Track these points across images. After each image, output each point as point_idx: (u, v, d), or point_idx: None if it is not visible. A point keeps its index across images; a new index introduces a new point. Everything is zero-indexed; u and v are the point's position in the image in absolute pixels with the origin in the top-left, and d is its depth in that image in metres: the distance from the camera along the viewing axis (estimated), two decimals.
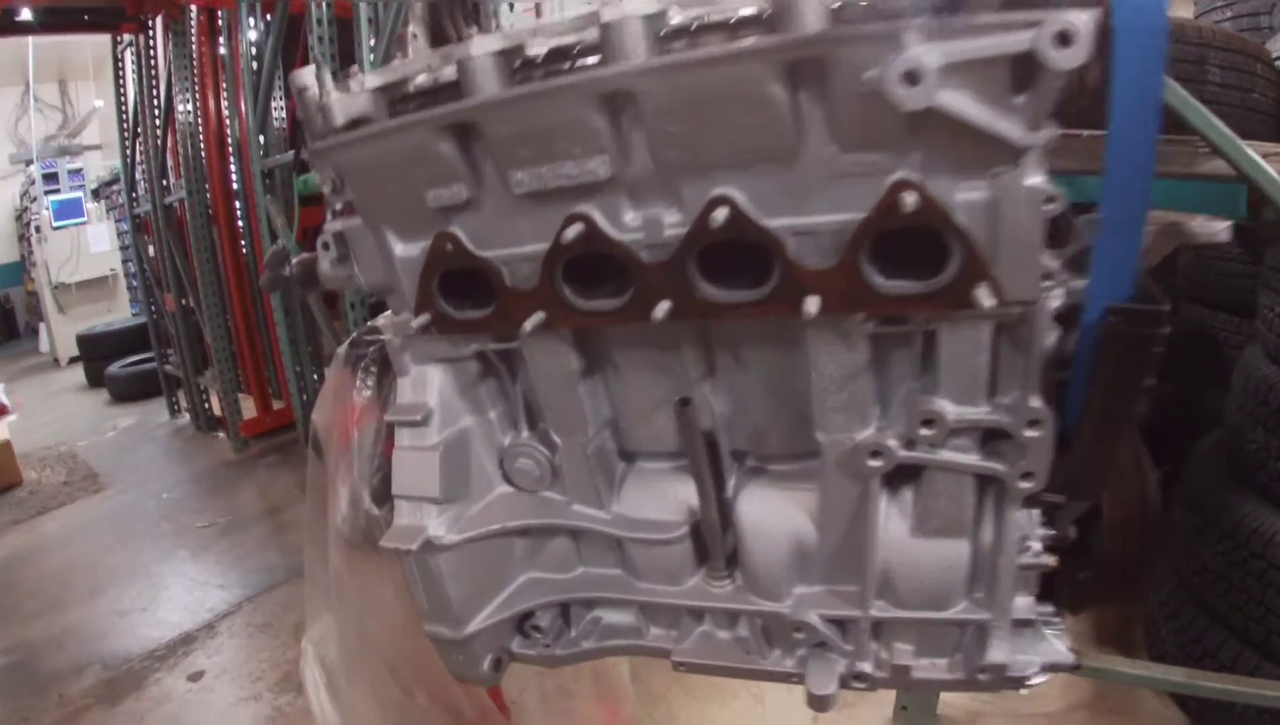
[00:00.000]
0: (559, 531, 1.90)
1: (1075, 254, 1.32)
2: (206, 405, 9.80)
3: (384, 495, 2.02)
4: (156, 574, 6.62)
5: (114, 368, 12.06)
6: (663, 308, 1.41)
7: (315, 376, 7.48)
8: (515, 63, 1.38)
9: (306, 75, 1.58)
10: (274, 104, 6.96)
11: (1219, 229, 1.79)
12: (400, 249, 1.66)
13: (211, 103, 8.08)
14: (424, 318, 1.69)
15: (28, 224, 16.36)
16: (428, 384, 1.85)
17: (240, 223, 8.20)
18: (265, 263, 2.10)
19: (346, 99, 1.55)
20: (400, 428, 1.87)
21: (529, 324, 1.53)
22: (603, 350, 1.69)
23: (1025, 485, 1.41)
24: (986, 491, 1.50)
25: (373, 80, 1.55)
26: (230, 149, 7.81)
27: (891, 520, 1.57)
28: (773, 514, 1.68)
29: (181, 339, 9.42)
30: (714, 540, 1.70)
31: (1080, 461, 1.40)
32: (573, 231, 1.42)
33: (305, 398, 7.40)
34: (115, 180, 12.24)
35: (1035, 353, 1.31)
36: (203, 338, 9.08)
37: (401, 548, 1.82)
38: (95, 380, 12.79)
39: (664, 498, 1.78)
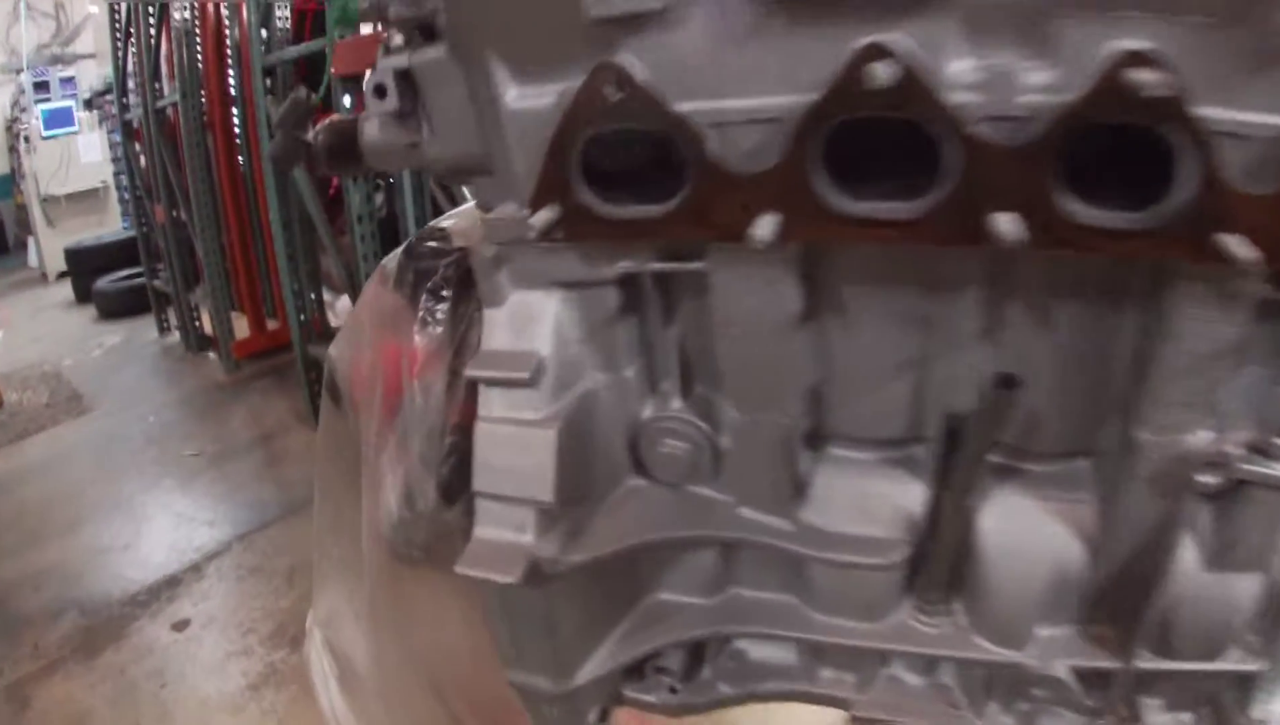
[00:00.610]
0: (708, 543, 1.40)
1: None
2: (197, 323, 9.17)
3: (458, 489, 1.41)
4: (140, 507, 6.00)
5: (102, 283, 11.43)
6: (1009, 225, 0.89)
7: (313, 296, 6.81)
8: None
9: None
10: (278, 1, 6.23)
11: None
12: (515, 95, 1.09)
13: (210, 2, 7.27)
14: (551, 213, 1.09)
15: (17, 135, 15.56)
16: (538, 321, 1.25)
17: (237, 131, 7.49)
18: (278, 120, 1.36)
19: None
20: (490, 389, 1.26)
21: (762, 229, 0.97)
22: (833, 285, 1.16)
23: None
24: None
25: None
26: (229, 51, 7.08)
27: (1184, 548, 1.17)
28: (1033, 532, 1.23)
29: (172, 253, 8.79)
30: (947, 566, 1.26)
31: None
32: (883, 73, 0.86)
33: (303, 318, 6.70)
34: (108, 90, 11.52)
35: None
36: (194, 252, 8.46)
37: (495, 578, 1.21)
38: (83, 296, 12.13)
39: (875, 503, 1.30)
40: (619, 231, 1.08)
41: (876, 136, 0.93)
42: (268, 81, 6.03)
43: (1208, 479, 1.07)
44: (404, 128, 1.19)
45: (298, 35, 6.24)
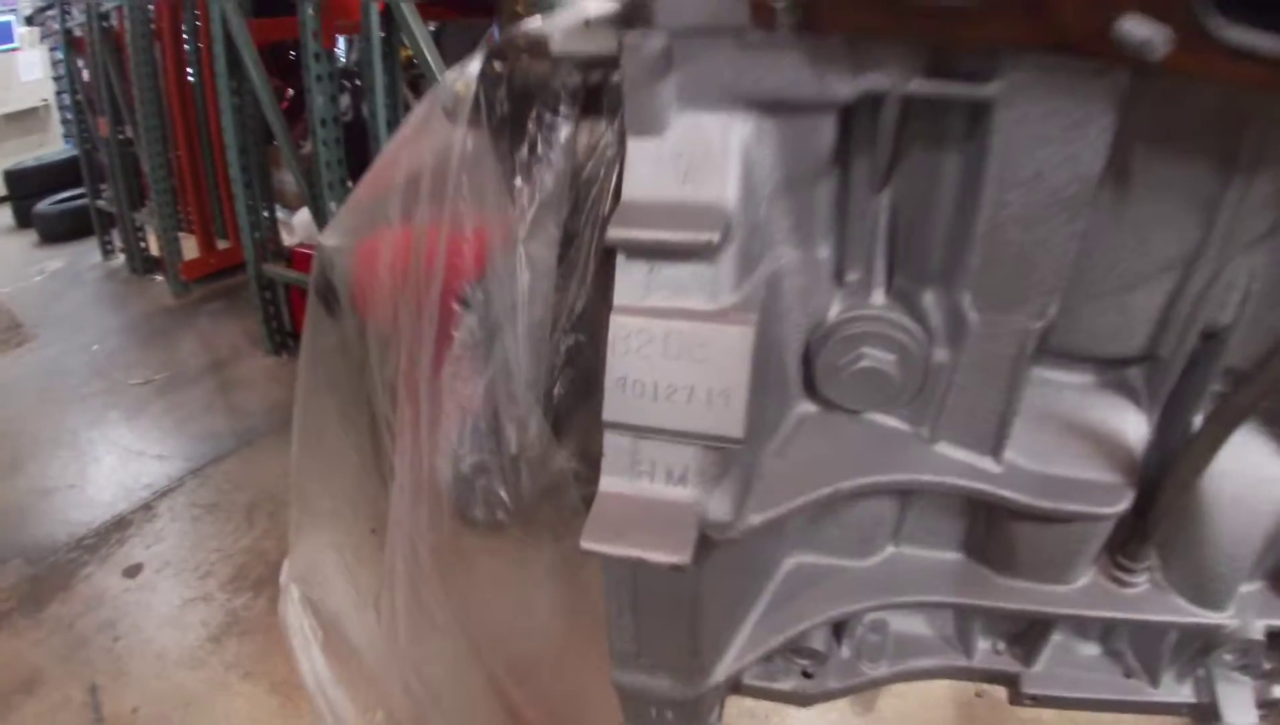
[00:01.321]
0: (896, 490, 1.11)
1: None
2: (143, 245, 8.68)
3: (570, 417, 1.03)
4: (86, 442, 5.58)
5: (42, 206, 10.82)
6: None
7: (266, 214, 6.31)
8: None
9: None
10: None
11: None
12: None
13: None
14: None
15: None
16: (719, 160, 0.82)
17: (186, 39, 6.99)
18: None
19: None
20: (637, 262, 0.83)
21: (1146, 35, 0.63)
22: (1123, 145, 0.84)
23: None
24: None
25: None
26: None
27: None
28: (1260, 477, 1.04)
29: (116, 171, 8.26)
30: (1171, 516, 1.04)
31: None
32: None
33: (257, 236, 6.21)
34: (50, 4, 10.93)
35: None
36: (140, 170, 7.94)
37: (653, 559, 0.79)
38: (24, 220, 11.48)
39: (1092, 439, 1.06)
40: (887, 23, 0.70)
41: None
42: None
43: None
44: None
45: None
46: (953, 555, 1.19)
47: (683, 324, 0.78)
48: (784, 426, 1.01)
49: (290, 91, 6.48)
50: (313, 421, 1.67)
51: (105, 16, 7.54)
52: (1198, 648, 1.21)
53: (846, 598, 1.16)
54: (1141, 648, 1.26)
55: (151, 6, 7.04)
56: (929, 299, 0.97)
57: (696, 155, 0.79)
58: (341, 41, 6.47)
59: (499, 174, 0.97)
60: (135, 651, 3.80)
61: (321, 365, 1.56)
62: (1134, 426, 1.05)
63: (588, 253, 0.97)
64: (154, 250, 8.41)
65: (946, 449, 1.04)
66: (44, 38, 13.72)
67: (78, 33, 8.38)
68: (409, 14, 4.00)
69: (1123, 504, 1.02)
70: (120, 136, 8.05)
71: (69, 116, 12.08)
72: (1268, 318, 0.98)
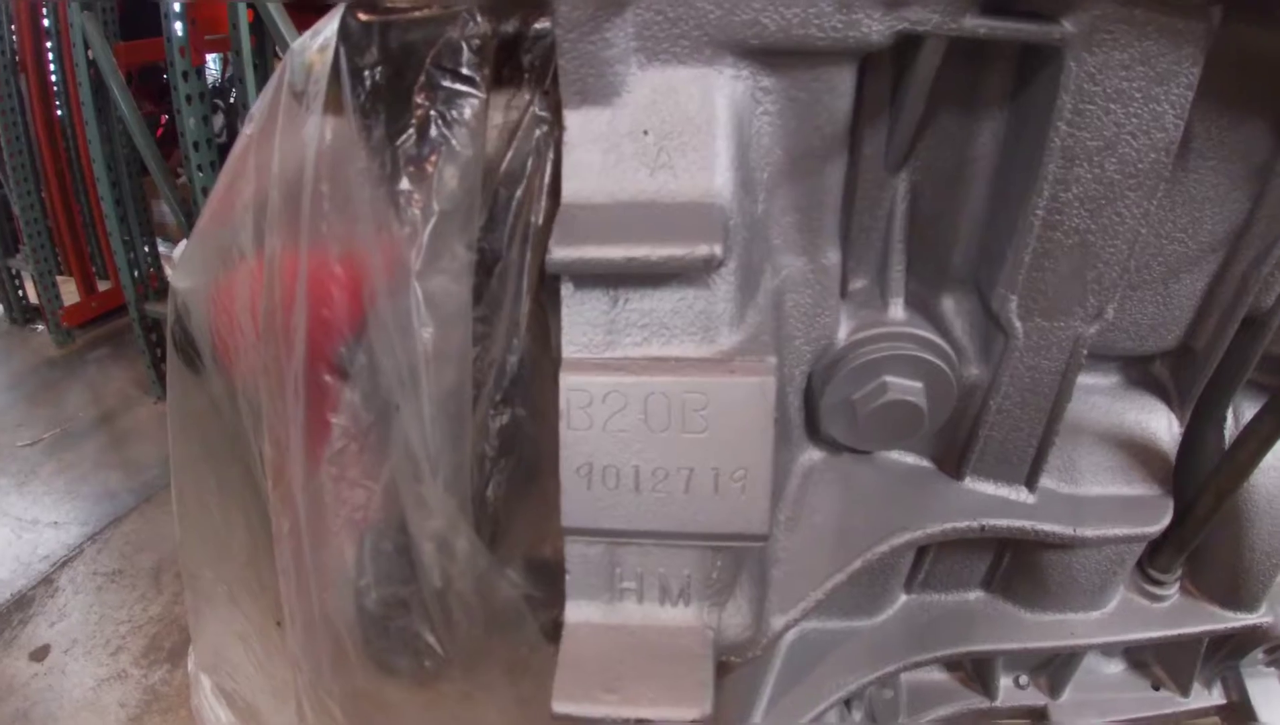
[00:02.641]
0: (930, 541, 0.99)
1: None
2: (21, 293, 8.36)
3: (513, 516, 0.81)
4: None
5: None
6: None
7: (147, 249, 6.13)
8: None
9: None
10: None
11: None
12: None
13: None
14: None
15: None
16: (705, 131, 0.58)
17: (53, 71, 6.82)
18: None
19: None
20: (586, 293, 0.59)
21: None
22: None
23: None
24: None
25: None
26: None
27: None
28: None
29: None
30: (1212, 521, 1.00)
31: None
32: None
33: (137, 274, 6.06)
34: None
35: None
36: (12, 213, 7.70)
37: (660, 718, 0.56)
38: None
39: (1126, 448, 1.02)
40: None
41: None
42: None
43: None
44: None
45: None
46: (974, 594, 1.13)
47: (670, 380, 0.56)
48: (790, 486, 0.82)
49: (165, 117, 6.30)
50: (192, 497, 1.46)
51: None
52: (1229, 650, 1.21)
53: (861, 667, 1.04)
54: (1169, 658, 1.25)
55: (15, 36, 6.81)
56: (949, 306, 0.83)
57: (670, 129, 0.58)
58: (215, 59, 6.30)
59: (375, 175, 0.70)
60: None
61: (193, 430, 1.33)
62: (1166, 428, 1.02)
63: (518, 283, 0.71)
64: (34, 297, 8.14)
65: (976, 484, 0.96)
66: None
67: None
68: (279, 19, 3.80)
69: (1165, 519, 0.99)
70: None
71: None
72: None
